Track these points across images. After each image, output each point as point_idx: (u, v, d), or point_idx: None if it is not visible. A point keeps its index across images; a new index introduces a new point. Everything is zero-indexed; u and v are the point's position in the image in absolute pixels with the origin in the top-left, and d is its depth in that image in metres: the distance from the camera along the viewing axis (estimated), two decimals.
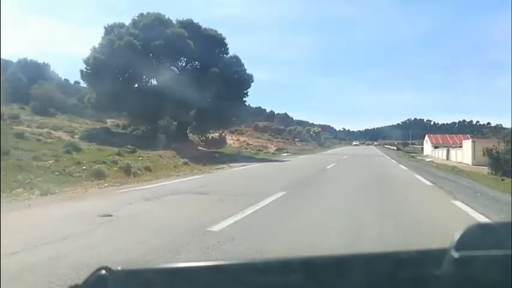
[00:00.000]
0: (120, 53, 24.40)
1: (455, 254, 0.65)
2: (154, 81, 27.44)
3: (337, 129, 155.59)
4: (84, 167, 12.77)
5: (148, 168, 15.26)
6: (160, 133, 27.82)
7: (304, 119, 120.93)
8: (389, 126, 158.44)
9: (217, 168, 17.22)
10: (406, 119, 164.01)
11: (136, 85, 27.02)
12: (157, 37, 25.25)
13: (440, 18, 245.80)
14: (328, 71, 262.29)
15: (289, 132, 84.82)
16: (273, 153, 39.63)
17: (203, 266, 0.79)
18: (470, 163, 34.91)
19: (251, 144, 46.22)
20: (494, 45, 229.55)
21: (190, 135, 37.36)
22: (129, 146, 18.44)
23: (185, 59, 26.74)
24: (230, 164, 19.69)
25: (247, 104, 31.59)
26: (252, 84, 29.23)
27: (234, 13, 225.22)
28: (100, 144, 19.52)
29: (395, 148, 73.07)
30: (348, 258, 0.75)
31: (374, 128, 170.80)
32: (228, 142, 45.68)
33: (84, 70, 26.17)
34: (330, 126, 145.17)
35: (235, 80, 26.75)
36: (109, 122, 32.29)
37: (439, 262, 0.66)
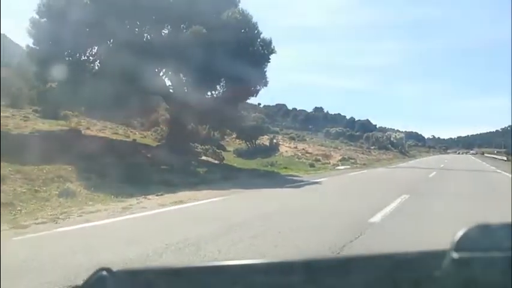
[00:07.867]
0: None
1: (455, 255, 0.63)
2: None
3: (426, 137, 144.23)
4: None
5: None
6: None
7: (388, 126, 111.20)
8: (486, 133, 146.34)
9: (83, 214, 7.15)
10: (507, 125, 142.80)
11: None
12: None
13: None
14: (414, 76, 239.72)
15: (366, 139, 73.38)
16: (333, 165, 30.59)
17: (204, 267, 0.78)
18: None
19: (310, 153, 37.48)
20: None
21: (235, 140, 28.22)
22: None
23: (165, 18, 16.70)
24: (163, 198, 9.58)
25: (258, 90, 18.00)
26: (271, 57, 16.98)
27: (311, 22, 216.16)
28: None
29: (504, 158, 55.75)
30: (348, 259, 0.75)
31: (468, 135, 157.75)
32: (281, 150, 38.25)
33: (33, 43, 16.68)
34: (417, 133, 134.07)
35: (237, 47, 15.29)
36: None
37: (438, 263, 0.64)
